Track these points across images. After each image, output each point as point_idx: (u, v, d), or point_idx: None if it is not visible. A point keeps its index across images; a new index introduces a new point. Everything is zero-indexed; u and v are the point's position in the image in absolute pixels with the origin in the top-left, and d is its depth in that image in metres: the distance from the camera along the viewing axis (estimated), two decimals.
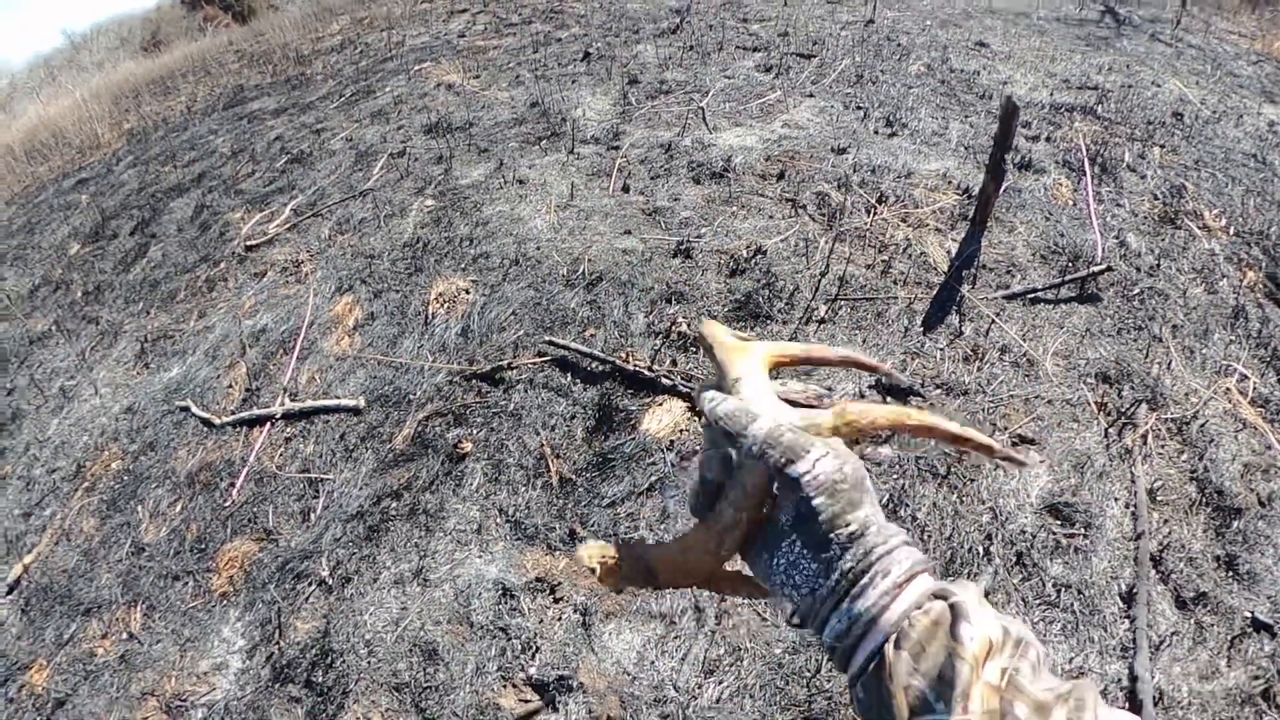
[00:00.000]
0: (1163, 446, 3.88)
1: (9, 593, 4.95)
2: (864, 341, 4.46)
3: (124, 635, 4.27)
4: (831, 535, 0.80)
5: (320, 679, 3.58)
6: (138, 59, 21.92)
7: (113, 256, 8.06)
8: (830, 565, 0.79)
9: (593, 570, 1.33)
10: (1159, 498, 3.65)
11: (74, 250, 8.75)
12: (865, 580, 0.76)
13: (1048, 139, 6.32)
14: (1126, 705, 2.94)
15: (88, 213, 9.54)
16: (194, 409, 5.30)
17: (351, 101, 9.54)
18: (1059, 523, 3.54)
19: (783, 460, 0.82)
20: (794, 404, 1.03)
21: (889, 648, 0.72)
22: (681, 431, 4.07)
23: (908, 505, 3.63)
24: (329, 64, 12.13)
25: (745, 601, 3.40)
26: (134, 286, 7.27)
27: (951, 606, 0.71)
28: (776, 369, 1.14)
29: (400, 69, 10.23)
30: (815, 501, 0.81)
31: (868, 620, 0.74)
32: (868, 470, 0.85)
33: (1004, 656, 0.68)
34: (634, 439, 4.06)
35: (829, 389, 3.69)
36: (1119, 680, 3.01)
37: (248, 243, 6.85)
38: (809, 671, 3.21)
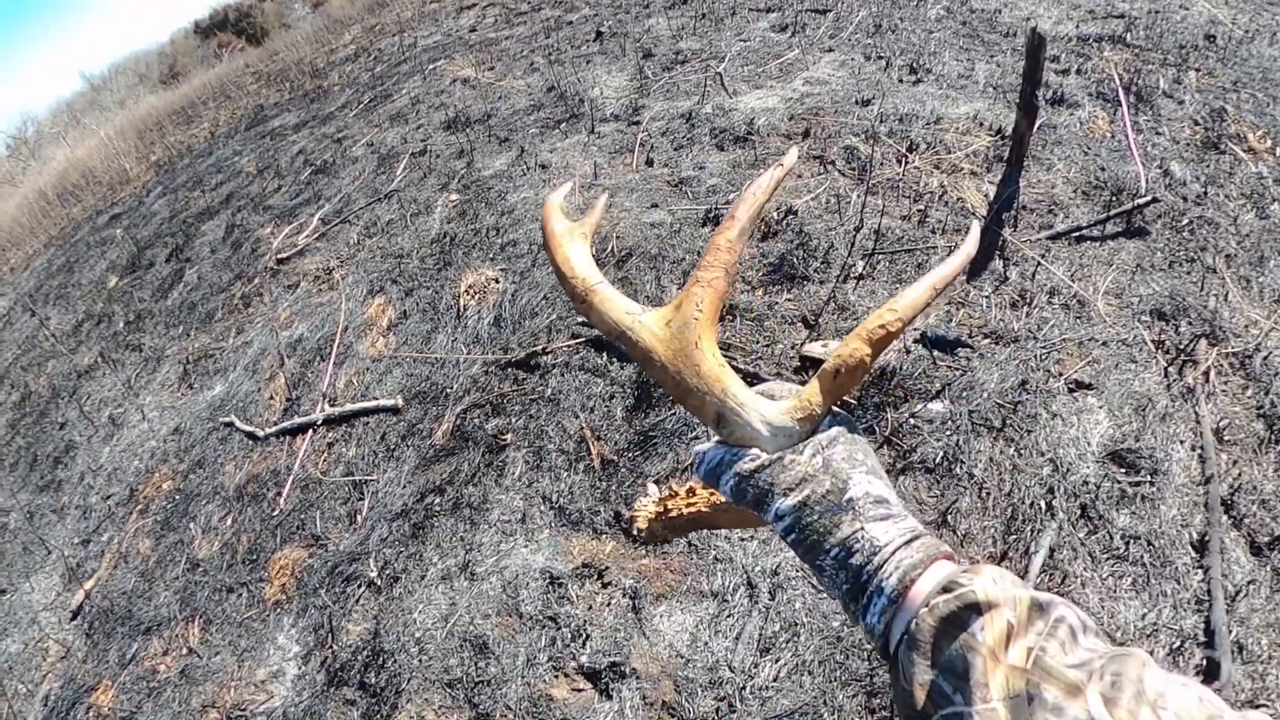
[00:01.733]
0: (1226, 383, 3.67)
1: (73, 619, 5.03)
2: None
3: (184, 650, 4.29)
4: (819, 563, 0.88)
5: (373, 680, 3.54)
6: (158, 92, 22.27)
7: (150, 285, 8.16)
8: (835, 581, 0.87)
9: (641, 530, 1.45)
10: (1226, 437, 3.45)
11: (113, 283, 8.89)
12: (865, 598, 0.82)
13: (1078, 71, 6.07)
14: (1204, 662, 2.79)
15: (123, 246, 9.70)
16: (238, 424, 5.33)
17: (370, 107, 9.55)
18: (1123, 471, 3.35)
19: (753, 508, 0.95)
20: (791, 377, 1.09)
21: (902, 650, 0.76)
22: None
23: (963, 462, 3.47)
24: (345, 73, 12.18)
25: (800, 574, 3.28)
26: (173, 311, 7.35)
27: (960, 599, 0.73)
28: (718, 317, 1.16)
29: (415, 69, 10.22)
30: (789, 539, 0.91)
31: (882, 630, 0.80)
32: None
33: (1030, 636, 0.67)
34: (674, 414, 3.95)
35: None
36: (1195, 635, 2.85)
37: (279, 256, 6.88)
38: (869, 645, 3.09)
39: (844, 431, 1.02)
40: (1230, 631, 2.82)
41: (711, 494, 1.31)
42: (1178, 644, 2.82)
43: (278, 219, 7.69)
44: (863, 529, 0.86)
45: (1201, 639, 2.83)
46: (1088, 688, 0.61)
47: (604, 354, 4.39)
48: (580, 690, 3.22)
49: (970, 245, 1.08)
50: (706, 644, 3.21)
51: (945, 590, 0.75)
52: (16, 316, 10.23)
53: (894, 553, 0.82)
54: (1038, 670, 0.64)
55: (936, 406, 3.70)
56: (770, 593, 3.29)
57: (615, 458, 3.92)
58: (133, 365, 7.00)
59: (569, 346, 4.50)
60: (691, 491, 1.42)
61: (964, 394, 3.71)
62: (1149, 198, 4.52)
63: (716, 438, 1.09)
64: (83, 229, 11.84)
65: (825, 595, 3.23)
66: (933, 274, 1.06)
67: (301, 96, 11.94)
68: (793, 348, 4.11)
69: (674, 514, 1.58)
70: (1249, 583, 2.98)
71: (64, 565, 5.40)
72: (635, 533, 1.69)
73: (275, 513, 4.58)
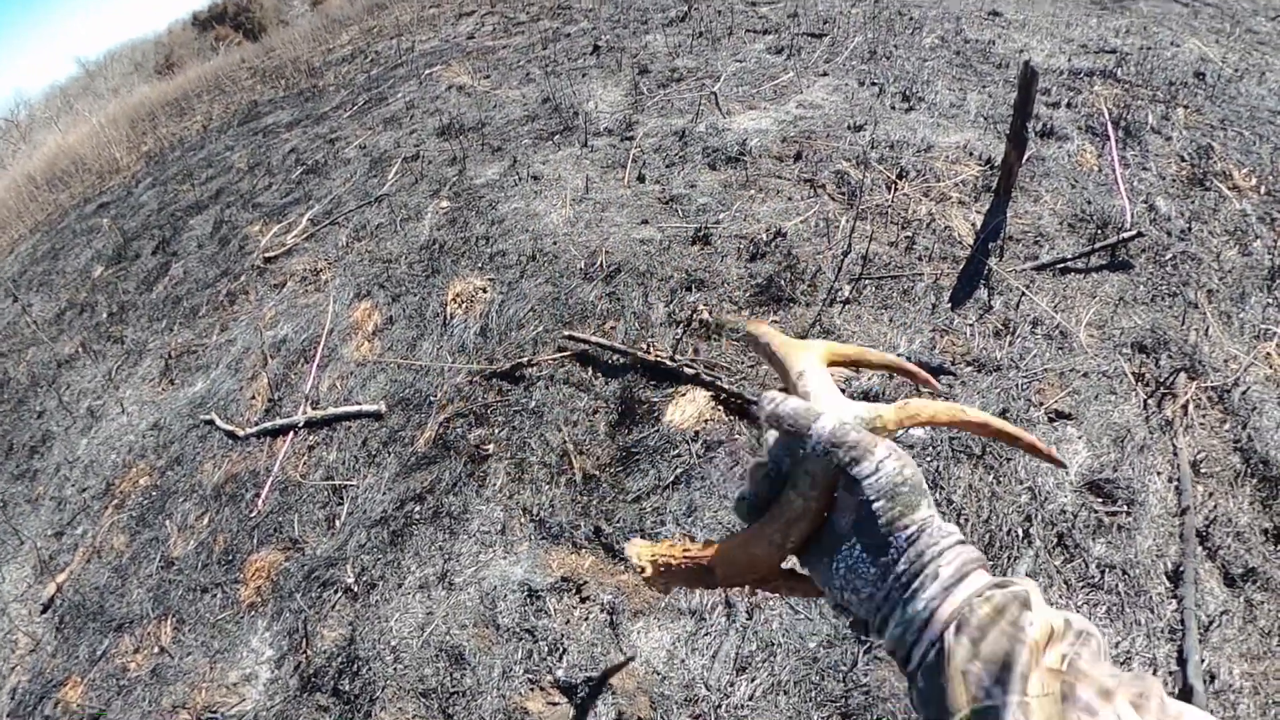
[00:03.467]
0: (1204, 416, 3.73)
1: (44, 611, 4.97)
2: (890, 320, 4.35)
3: (155, 649, 4.25)
4: (890, 539, 0.83)
5: (347, 687, 3.53)
6: (152, 82, 22.16)
7: (135, 277, 8.11)
8: (887, 570, 0.82)
9: (643, 570, 1.32)
10: (1203, 470, 3.51)
11: (98, 273, 8.83)
12: (918, 583, 0.79)
13: (1068, 105, 6.16)
14: (1176, 690, 2.82)
15: (109, 235, 9.63)
16: (218, 422, 5.30)
17: (364, 109, 9.55)
18: (1100, 500, 3.40)
19: (848, 459, 0.84)
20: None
21: (949, 633, 0.74)
22: (706, 421, 3.98)
23: (943, 488, 3.51)
24: (340, 74, 12.17)
25: (777, 596, 3.30)
26: (157, 305, 7.31)
27: (1013, 594, 0.73)
28: (832, 366, 1.18)
29: (411, 74, 10.24)
30: (876, 505, 0.84)
31: (926, 616, 0.76)
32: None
33: (1064, 644, 0.68)
34: (657, 431, 3.97)
35: (856, 370, 3.59)
36: (1168, 664, 2.89)
37: (266, 255, 6.86)
38: (845, 666, 3.11)
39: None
40: (1203, 661, 2.87)
41: (707, 546, 1.29)
42: (1151, 671, 2.85)
43: (267, 217, 7.66)
44: (934, 515, 0.85)
45: (1174, 668, 2.87)
46: (1118, 692, 0.63)
47: (589, 368, 4.41)
48: (555, 704, 3.22)
49: (1052, 451, 1.12)
50: (683, 661, 3.22)
51: (999, 587, 0.75)
52: None
53: (954, 545, 0.81)
54: (1073, 671, 0.66)
55: (917, 432, 3.71)
56: (748, 612, 3.31)
57: (597, 472, 3.93)
58: (114, 357, 6.94)
59: (554, 359, 4.52)
60: (689, 541, 1.37)
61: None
62: (1134, 232, 4.59)
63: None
64: (70, 216, 11.74)
65: (804, 610, 3.25)
66: (1017, 430, 1.11)
67: (296, 95, 11.92)
68: None
69: (671, 561, 1.56)
70: (1222, 613, 3.03)
71: (36, 556, 5.34)
72: (641, 573, 1.78)
73: (253, 514, 4.56)
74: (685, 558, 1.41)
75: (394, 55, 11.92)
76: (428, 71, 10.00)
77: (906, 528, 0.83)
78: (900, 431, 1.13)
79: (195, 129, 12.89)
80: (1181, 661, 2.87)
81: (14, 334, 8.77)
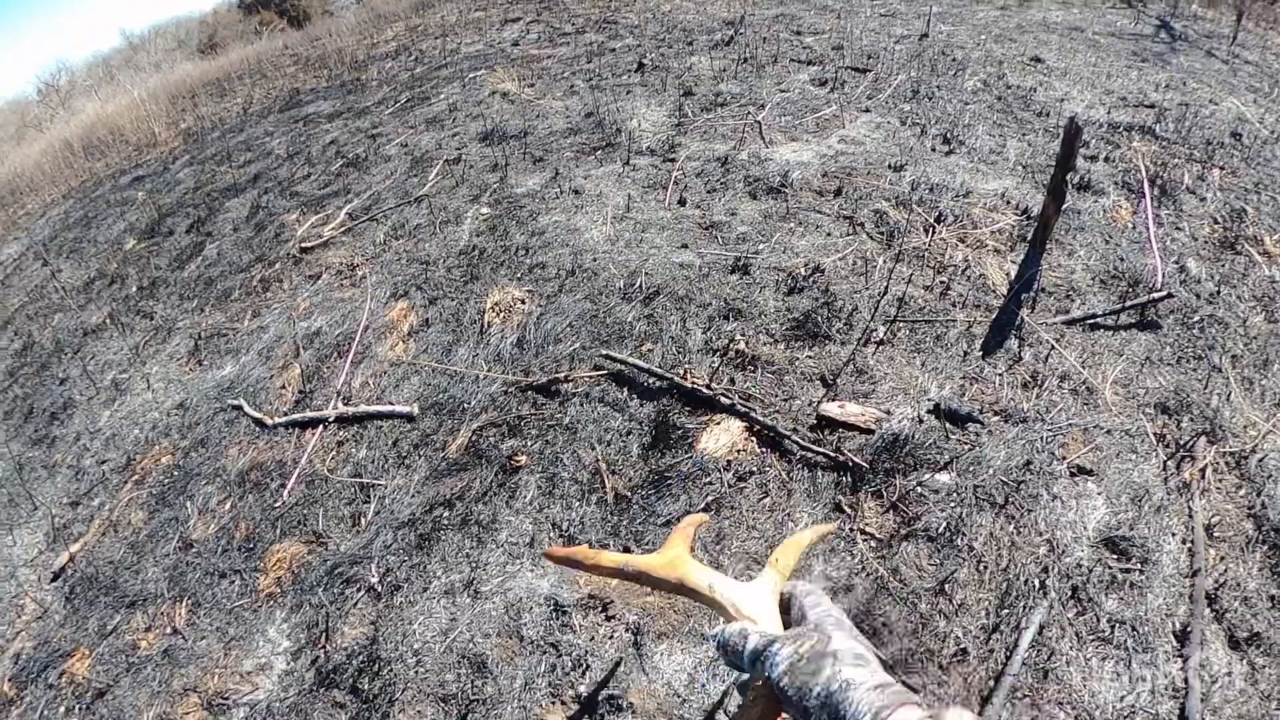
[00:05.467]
0: (1221, 481, 3.74)
1: (54, 580, 4.97)
2: (923, 365, 4.37)
3: (168, 630, 4.26)
4: (804, 704, 1.07)
5: (366, 686, 3.54)
6: (194, 60, 22.30)
7: (168, 253, 8.15)
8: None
9: None
10: (1216, 534, 3.52)
11: (130, 245, 8.87)
12: None
13: (1106, 159, 6.18)
14: None
15: (144, 209, 9.67)
16: (246, 408, 5.33)
17: (406, 107, 9.61)
18: (1115, 557, 3.42)
19: (764, 666, 1.19)
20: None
21: None
22: (739, 452, 4.00)
23: (964, 534, 3.53)
24: (384, 70, 12.25)
25: None
26: (189, 284, 7.35)
27: None
28: (693, 548, 1.87)
29: (455, 76, 10.31)
30: (781, 685, 1.12)
31: None
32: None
33: None
34: (690, 458, 4.00)
35: (887, 411, 3.64)
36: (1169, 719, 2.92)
37: (303, 244, 6.90)
38: None
39: (819, 596, 1.43)
40: (1203, 719, 2.89)
41: None
42: None
43: (304, 207, 7.71)
44: (841, 671, 1.06)
45: None
46: None
47: (625, 389, 4.43)
48: (576, 719, 3.24)
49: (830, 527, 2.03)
50: (704, 686, 3.23)
51: None
52: (27, 263, 10.17)
53: (866, 693, 0.99)
54: None
55: (943, 478, 3.76)
56: None
57: (629, 494, 3.95)
58: (142, 332, 6.97)
59: (591, 377, 4.55)
60: None
61: (971, 468, 3.77)
62: (1164, 293, 4.60)
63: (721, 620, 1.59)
64: (104, 185, 11.80)
65: None
66: (806, 534, 1.85)
67: (338, 86, 12.00)
68: (810, 405, 4.17)
69: None
70: (1225, 674, 3.04)
71: (50, 524, 5.35)
72: None
73: (277, 504, 4.58)
74: None
75: (438, 56, 12.00)
76: (472, 75, 10.08)
77: (812, 690, 1.06)
78: (799, 568, 2.32)
79: (235, 111, 12.97)
80: (1183, 718, 2.89)
81: (41, 298, 8.80)
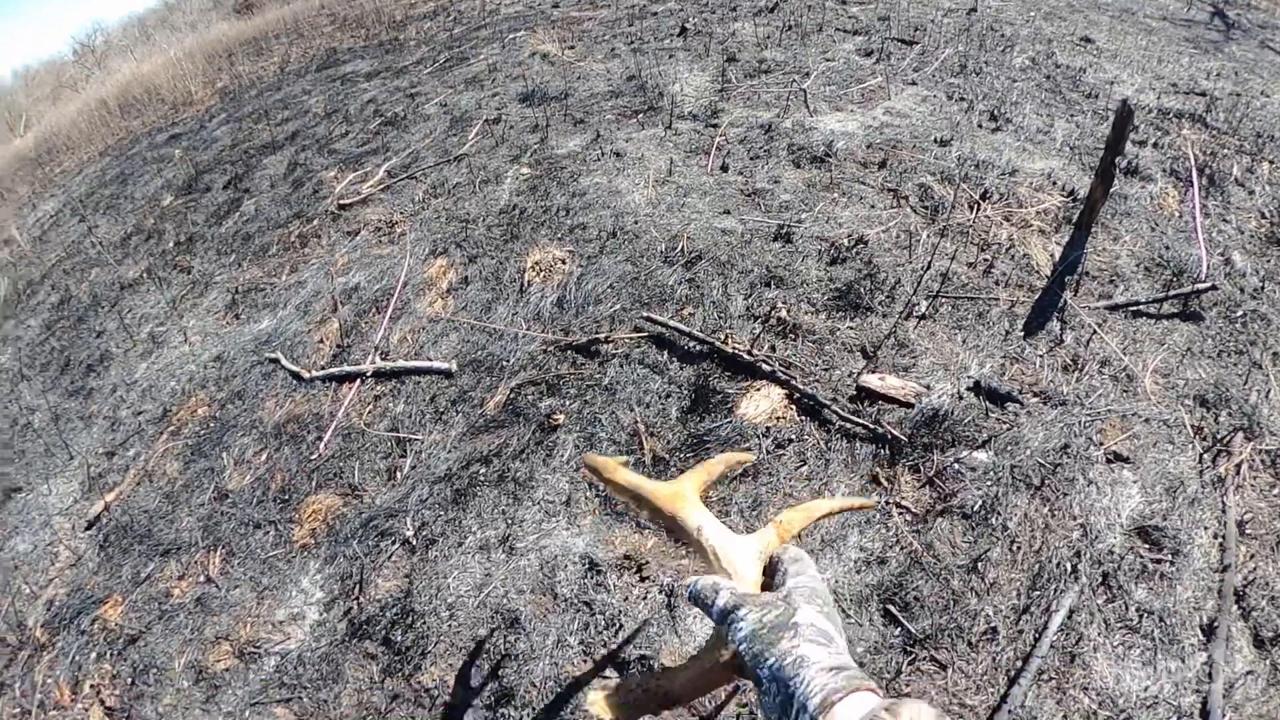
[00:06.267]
0: (1255, 478, 3.69)
1: (89, 528, 5.02)
2: (964, 342, 4.30)
3: (201, 578, 4.29)
4: (758, 672, 1.07)
5: (399, 638, 3.54)
6: (230, 20, 22.28)
7: (205, 209, 8.18)
8: (770, 693, 1.03)
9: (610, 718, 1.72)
10: (1248, 531, 3.48)
11: (167, 201, 8.91)
12: (792, 712, 0.96)
13: (1155, 145, 6.03)
14: None
15: (181, 166, 9.71)
16: (284, 361, 5.33)
17: (445, 67, 9.55)
18: (1147, 546, 3.39)
19: (728, 625, 1.20)
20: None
21: None
22: (778, 419, 3.95)
23: (999, 514, 3.49)
24: (422, 30, 12.18)
25: (836, 596, 3.28)
26: (226, 239, 7.36)
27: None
28: (707, 490, 1.90)
29: (494, 37, 10.22)
30: (740, 648, 1.13)
31: None
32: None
33: None
34: (730, 423, 3.95)
35: (927, 386, 3.57)
36: (1191, 714, 2.89)
37: (341, 201, 6.88)
38: (889, 673, 3.11)
39: (805, 564, 1.38)
40: (1224, 715, 2.87)
41: (663, 674, 1.60)
42: (1174, 718, 2.87)
43: (342, 164, 7.69)
44: (798, 646, 1.05)
45: (1196, 717, 2.88)
46: None
47: (665, 352, 4.38)
48: (607, 678, 3.22)
49: (867, 503, 2.00)
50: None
51: (888, 710, 0.85)
52: (65, 219, 10.27)
53: (819, 673, 0.96)
54: None
55: (981, 456, 3.71)
56: None
57: (667, 456, 3.92)
58: (179, 286, 7.01)
59: (631, 339, 4.50)
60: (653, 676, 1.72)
61: (1008, 448, 3.72)
62: (1209, 284, 4.52)
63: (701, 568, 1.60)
64: (141, 143, 11.86)
65: (854, 615, 3.24)
66: (827, 503, 1.86)
67: (376, 46, 11.95)
68: (850, 376, 4.10)
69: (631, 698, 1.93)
70: (1248, 673, 3.02)
71: (85, 473, 5.40)
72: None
73: (313, 456, 4.58)
74: (653, 692, 1.79)
75: (477, 16, 11.91)
76: (511, 36, 9.99)
77: (765, 660, 1.06)
78: (801, 532, 1.84)
79: (272, 70, 12.96)
80: (1205, 714, 2.88)
81: (78, 253, 8.89)
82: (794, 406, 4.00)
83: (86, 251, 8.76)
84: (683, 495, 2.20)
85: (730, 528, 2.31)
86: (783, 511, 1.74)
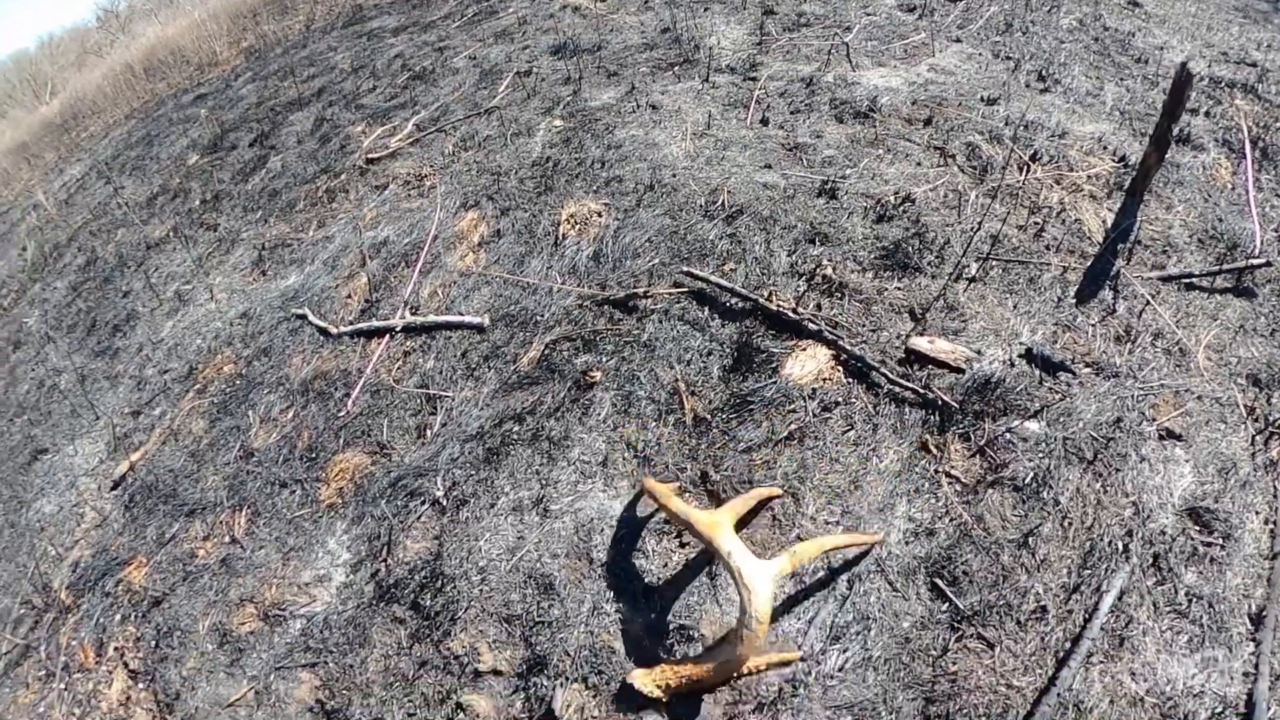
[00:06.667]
0: None
1: (114, 488, 4.97)
2: (1015, 307, 4.11)
3: (226, 539, 4.21)
4: None
5: (428, 602, 3.44)
6: None
7: (231, 167, 8.07)
8: None
9: (659, 697, 2.63)
10: None
11: (193, 160, 8.82)
12: None
13: (1207, 114, 5.73)
14: None
15: (206, 126, 9.61)
16: (311, 317, 5.23)
17: (474, 21, 9.33)
18: (1198, 528, 3.26)
19: None
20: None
21: None
22: (825, 380, 3.77)
23: (1051, 487, 3.34)
24: None
25: (878, 570, 3.22)
26: (253, 196, 7.25)
27: None
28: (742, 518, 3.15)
29: None
30: None
31: None
32: None
33: None
34: (774, 383, 3.77)
35: (978, 351, 3.41)
36: (1236, 705, 2.80)
37: (369, 155, 6.73)
38: (935, 651, 3.00)
39: None
40: (1269, 709, 2.80)
41: (697, 664, 2.36)
42: (1220, 710, 2.78)
43: (370, 119, 7.53)
44: None
45: (1241, 710, 2.80)
46: None
47: (705, 308, 4.20)
48: (644, 646, 3.08)
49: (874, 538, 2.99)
50: (778, 622, 3.10)
51: None
52: (91, 182, 10.22)
53: None
54: None
55: (1033, 426, 3.56)
56: (848, 582, 3.17)
57: (708, 416, 3.75)
58: (205, 244, 6.91)
59: (670, 294, 4.32)
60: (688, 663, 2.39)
61: (1061, 419, 3.57)
62: (1263, 260, 4.32)
63: None
64: (166, 105, 11.78)
65: (901, 587, 3.16)
66: (834, 538, 2.97)
67: (403, 1, 11.72)
68: (898, 338, 3.92)
69: (671, 682, 2.69)
70: None
71: (111, 434, 5.34)
72: (652, 695, 2.84)
73: (341, 414, 4.46)
74: (684, 676, 2.79)
75: None
76: None
77: None
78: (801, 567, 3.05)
79: (297, 29, 12.80)
80: (1250, 705, 2.81)
81: (104, 214, 8.84)
82: (841, 368, 3.83)
83: (113, 213, 8.70)
84: (719, 524, 2.93)
85: (755, 554, 2.93)
86: (796, 544, 2.42)
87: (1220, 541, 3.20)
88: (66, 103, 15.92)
